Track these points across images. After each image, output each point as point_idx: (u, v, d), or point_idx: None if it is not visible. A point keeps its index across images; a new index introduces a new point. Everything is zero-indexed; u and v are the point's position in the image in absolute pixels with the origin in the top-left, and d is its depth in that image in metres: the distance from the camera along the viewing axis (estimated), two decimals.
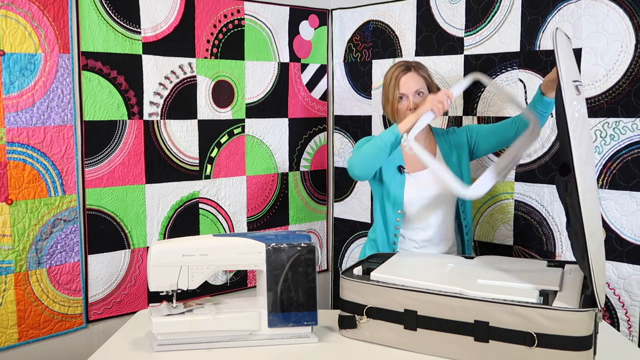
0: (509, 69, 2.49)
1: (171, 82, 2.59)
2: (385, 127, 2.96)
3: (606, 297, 2.26)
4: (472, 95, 2.61)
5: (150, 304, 1.94)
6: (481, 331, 1.55)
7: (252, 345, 1.72)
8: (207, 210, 2.76)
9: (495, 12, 2.51)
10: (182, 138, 2.64)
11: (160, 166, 2.58)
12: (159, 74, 2.54)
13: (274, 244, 1.73)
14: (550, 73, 2.02)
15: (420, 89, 2.20)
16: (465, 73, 2.62)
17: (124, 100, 2.46)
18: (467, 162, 2.29)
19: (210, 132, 2.73)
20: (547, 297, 1.53)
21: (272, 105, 2.95)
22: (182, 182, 2.67)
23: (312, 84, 3.11)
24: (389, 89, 2.23)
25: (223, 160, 2.79)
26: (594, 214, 1.48)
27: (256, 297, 1.82)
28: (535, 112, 2.10)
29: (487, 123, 2.57)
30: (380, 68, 2.97)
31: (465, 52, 2.63)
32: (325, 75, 3.17)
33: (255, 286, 2.38)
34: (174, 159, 2.63)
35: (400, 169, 2.22)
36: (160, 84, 2.56)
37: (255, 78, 2.87)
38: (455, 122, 2.68)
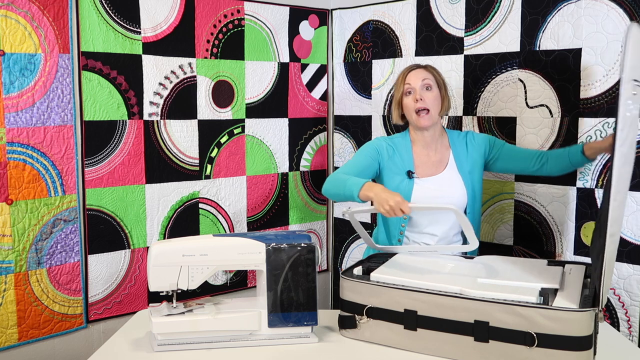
0: (508, 69, 2.49)
1: (171, 82, 2.59)
2: (386, 127, 2.96)
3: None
4: (472, 95, 2.61)
5: (150, 304, 1.94)
6: (481, 331, 1.55)
7: (252, 345, 1.72)
8: (207, 210, 2.76)
9: (495, 12, 2.51)
10: (182, 138, 2.64)
11: (160, 166, 2.58)
12: (159, 74, 2.54)
13: (274, 244, 1.73)
14: (603, 141, 2.06)
15: (428, 80, 2.16)
16: (466, 73, 2.62)
17: (124, 100, 2.46)
18: (480, 171, 2.24)
19: (210, 132, 2.73)
20: (547, 297, 1.53)
21: (272, 105, 2.95)
22: (182, 182, 2.67)
23: (312, 84, 3.11)
24: (396, 87, 2.22)
25: (223, 160, 2.79)
26: (618, 216, 1.47)
27: (256, 297, 1.82)
28: (568, 159, 2.15)
29: (487, 123, 2.57)
30: (380, 68, 2.97)
31: (465, 52, 2.63)
32: (325, 75, 3.17)
33: (255, 286, 2.38)
34: (174, 159, 2.63)
35: (410, 174, 2.19)
36: (160, 84, 2.56)
37: (255, 78, 2.87)
38: (456, 122, 2.68)
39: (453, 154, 2.23)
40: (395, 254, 1.99)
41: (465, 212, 2.20)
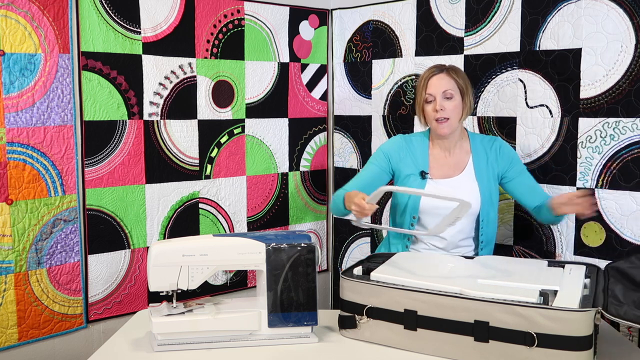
0: (508, 69, 2.49)
1: (171, 82, 2.59)
2: (386, 127, 2.96)
3: None
4: None
5: (150, 304, 1.94)
6: (481, 331, 1.55)
7: (252, 345, 1.72)
8: (207, 210, 2.76)
9: (495, 12, 2.52)
10: (182, 138, 2.64)
11: (160, 166, 2.58)
12: (159, 74, 2.54)
13: (274, 244, 1.73)
14: (560, 198, 1.96)
15: (449, 90, 2.13)
16: (465, 73, 2.61)
17: (124, 100, 2.46)
18: (496, 183, 2.22)
19: (210, 132, 2.73)
20: (547, 297, 1.53)
21: (272, 105, 2.95)
22: (182, 182, 2.67)
23: (312, 84, 3.11)
24: (418, 91, 2.20)
25: (223, 160, 2.79)
26: None
27: (256, 297, 1.82)
28: (539, 215, 2.13)
29: (487, 123, 2.57)
30: (380, 68, 2.97)
31: (465, 52, 2.63)
32: (325, 75, 3.17)
33: (255, 286, 2.38)
34: (174, 159, 2.63)
35: (423, 174, 2.18)
36: (160, 84, 2.56)
37: (255, 78, 2.87)
38: None
39: (473, 159, 2.21)
40: (394, 254, 1.99)
41: (478, 219, 2.20)
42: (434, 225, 2.12)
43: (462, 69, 2.63)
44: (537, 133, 2.42)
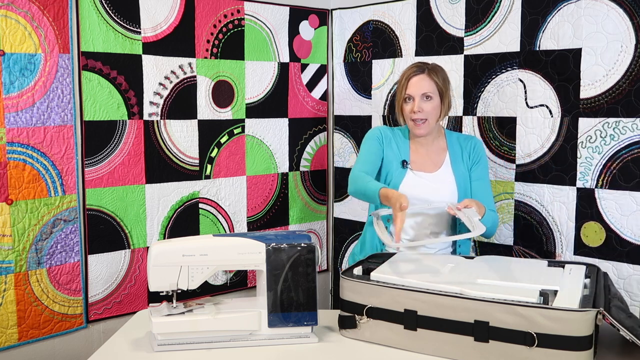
0: (508, 69, 2.49)
1: (171, 82, 2.59)
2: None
3: None
4: (472, 95, 2.61)
5: (150, 304, 1.94)
6: (481, 331, 1.55)
7: (252, 345, 1.72)
8: (207, 210, 2.76)
9: (495, 12, 2.52)
10: (182, 138, 2.64)
11: (160, 166, 2.58)
12: (159, 74, 2.54)
13: (274, 244, 1.73)
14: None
15: (428, 93, 2.14)
16: (466, 73, 2.62)
17: (124, 100, 2.46)
18: (469, 177, 2.23)
19: (210, 132, 2.73)
20: (547, 297, 1.53)
21: (272, 105, 2.95)
22: (182, 182, 2.67)
23: (312, 84, 3.11)
24: (399, 89, 2.21)
25: (223, 160, 2.79)
26: None
27: (256, 297, 1.82)
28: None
29: (487, 123, 2.57)
30: (380, 68, 2.97)
31: (465, 52, 2.63)
32: (325, 75, 3.17)
33: (255, 286, 2.38)
34: (174, 159, 2.63)
35: (404, 163, 2.20)
36: (160, 84, 2.56)
37: (255, 78, 2.87)
38: (456, 122, 2.68)
39: (450, 156, 2.23)
40: (394, 253, 1.99)
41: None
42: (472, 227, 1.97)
43: (462, 69, 2.63)
44: (537, 133, 2.43)
